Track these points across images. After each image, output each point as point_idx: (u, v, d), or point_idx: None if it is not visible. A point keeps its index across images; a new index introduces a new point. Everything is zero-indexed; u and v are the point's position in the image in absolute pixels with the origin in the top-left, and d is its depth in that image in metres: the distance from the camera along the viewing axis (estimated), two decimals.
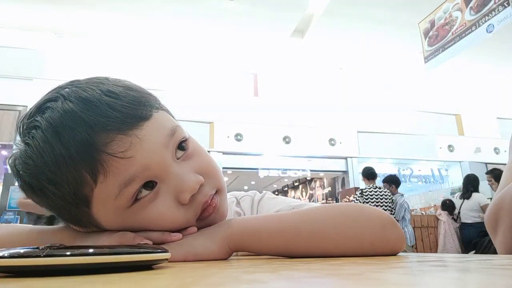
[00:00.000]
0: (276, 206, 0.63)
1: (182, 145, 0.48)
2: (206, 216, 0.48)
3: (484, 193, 4.91)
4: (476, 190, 4.59)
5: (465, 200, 4.56)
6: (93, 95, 0.42)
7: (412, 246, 4.42)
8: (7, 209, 4.96)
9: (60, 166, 0.40)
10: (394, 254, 0.46)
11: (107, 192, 0.42)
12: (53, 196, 0.42)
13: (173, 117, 0.51)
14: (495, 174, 4.53)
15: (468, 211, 4.52)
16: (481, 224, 4.44)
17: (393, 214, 4.21)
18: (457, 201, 4.85)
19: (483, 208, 4.39)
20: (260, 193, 0.71)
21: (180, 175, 0.45)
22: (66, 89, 0.44)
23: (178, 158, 0.47)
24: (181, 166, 0.47)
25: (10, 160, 0.45)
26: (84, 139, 0.40)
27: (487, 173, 4.69)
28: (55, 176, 0.41)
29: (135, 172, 0.42)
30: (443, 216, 5.09)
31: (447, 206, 5.04)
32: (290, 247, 0.46)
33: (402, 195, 4.54)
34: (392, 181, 4.56)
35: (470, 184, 4.60)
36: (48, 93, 0.46)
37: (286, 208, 0.61)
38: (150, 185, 0.44)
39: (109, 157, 0.41)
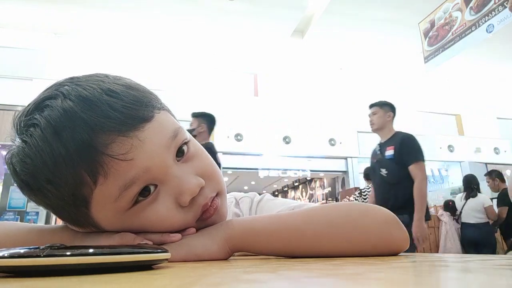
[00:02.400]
0: (275, 207, 0.63)
1: (183, 148, 0.47)
2: (207, 218, 0.47)
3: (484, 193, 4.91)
4: (479, 190, 4.59)
5: (469, 200, 4.54)
6: (94, 94, 0.41)
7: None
8: (7, 209, 4.95)
9: (59, 166, 0.39)
10: (397, 254, 0.46)
11: (107, 194, 0.41)
12: (52, 196, 0.42)
13: (174, 116, 0.51)
14: (494, 175, 4.57)
15: (471, 211, 4.50)
16: (484, 224, 4.43)
17: None
18: (458, 201, 4.84)
19: (487, 210, 4.37)
20: (260, 194, 0.71)
21: (181, 178, 0.45)
22: (66, 87, 0.43)
23: (178, 160, 0.47)
24: (181, 168, 0.46)
25: (6, 157, 0.44)
26: (84, 139, 0.39)
27: (486, 174, 4.71)
28: (54, 176, 0.40)
29: (135, 174, 0.41)
30: (445, 216, 5.09)
31: (450, 207, 5.03)
32: (290, 248, 0.46)
33: None
34: None
35: (473, 183, 4.60)
36: (46, 90, 0.44)
37: (286, 209, 0.60)
38: (148, 189, 0.44)
39: (109, 158, 0.40)
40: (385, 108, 3.08)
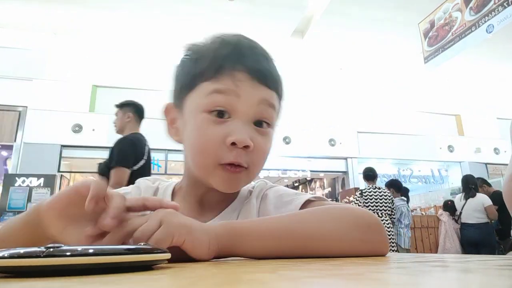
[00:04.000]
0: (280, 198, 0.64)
1: (264, 124, 0.56)
2: (230, 170, 0.53)
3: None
4: (477, 190, 4.60)
5: (469, 200, 4.54)
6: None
7: (408, 250, 4.41)
8: (7, 209, 4.96)
9: (209, 47, 0.56)
10: (379, 257, 0.46)
11: (204, 91, 0.53)
12: (182, 69, 0.60)
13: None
14: (480, 181, 4.68)
15: (472, 211, 4.50)
16: (484, 224, 4.42)
17: (393, 215, 4.22)
18: (457, 202, 4.84)
19: (487, 210, 4.37)
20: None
21: (242, 127, 0.52)
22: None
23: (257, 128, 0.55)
24: (250, 129, 0.54)
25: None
26: (236, 54, 0.54)
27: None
28: (200, 49, 0.57)
29: (229, 101, 0.52)
30: (444, 216, 5.09)
31: (449, 207, 5.04)
32: (277, 249, 0.45)
33: (403, 199, 4.54)
34: (391, 185, 4.62)
35: (471, 183, 4.61)
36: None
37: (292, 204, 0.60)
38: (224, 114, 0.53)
39: (236, 80, 0.52)
40: (125, 109, 2.71)
